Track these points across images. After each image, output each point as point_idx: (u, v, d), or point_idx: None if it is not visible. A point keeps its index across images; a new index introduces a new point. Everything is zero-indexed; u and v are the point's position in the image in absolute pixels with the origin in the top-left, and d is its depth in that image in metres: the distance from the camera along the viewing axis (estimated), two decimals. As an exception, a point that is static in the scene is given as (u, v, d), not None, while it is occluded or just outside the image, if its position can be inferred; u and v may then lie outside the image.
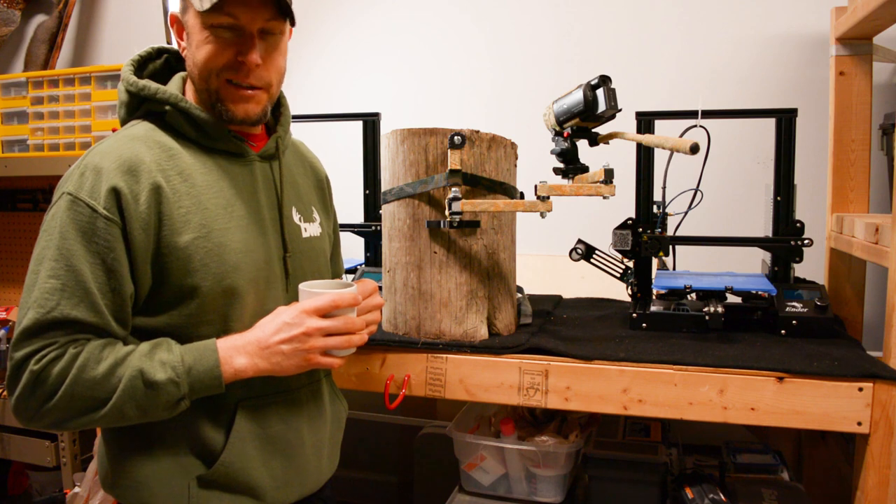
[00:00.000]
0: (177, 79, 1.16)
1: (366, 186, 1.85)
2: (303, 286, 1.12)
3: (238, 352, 1.05)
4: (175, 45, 1.18)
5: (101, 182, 1.01)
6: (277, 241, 1.17)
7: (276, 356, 1.05)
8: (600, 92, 1.34)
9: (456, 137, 1.40)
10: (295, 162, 1.30)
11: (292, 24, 1.12)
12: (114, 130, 1.23)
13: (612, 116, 1.37)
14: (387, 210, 1.54)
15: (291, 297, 1.17)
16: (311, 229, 1.26)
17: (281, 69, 1.15)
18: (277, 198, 1.19)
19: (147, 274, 1.04)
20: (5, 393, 1.92)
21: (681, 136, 1.60)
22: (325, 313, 1.07)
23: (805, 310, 1.50)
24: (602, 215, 1.72)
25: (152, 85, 1.10)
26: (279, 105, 1.25)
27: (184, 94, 1.14)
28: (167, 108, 1.09)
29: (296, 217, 1.22)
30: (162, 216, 1.03)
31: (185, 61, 1.14)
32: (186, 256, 1.04)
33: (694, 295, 1.64)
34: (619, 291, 1.81)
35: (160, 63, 1.19)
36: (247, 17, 1.06)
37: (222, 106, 1.10)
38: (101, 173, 1.01)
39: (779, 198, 1.60)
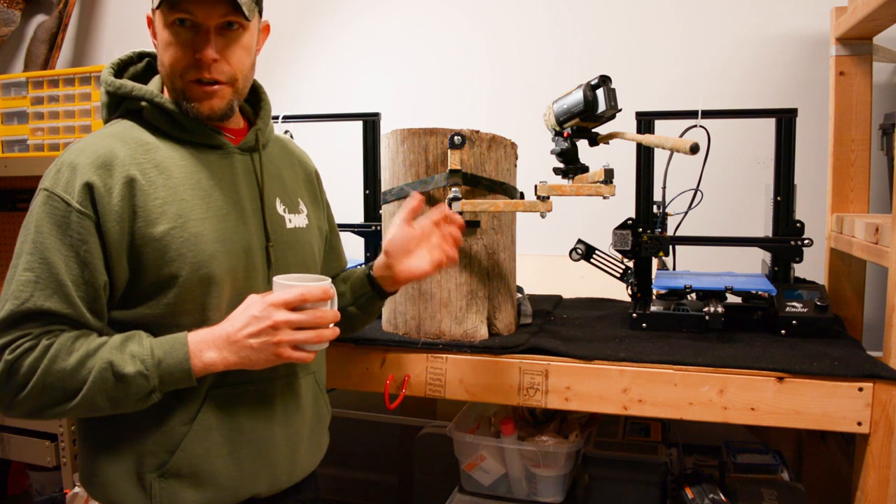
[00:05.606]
0: (156, 79, 1.18)
1: (366, 186, 1.85)
2: (277, 279, 1.10)
3: (208, 345, 1.05)
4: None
5: (75, 178, 1.04)
6: (259, 231, 1.17)
7: (245, 350, 1.05)
8: (600, 92, 1.34)
9: (456, 137, 1.40)
10: (281, 156, 1.30)
11: (246, 18, 1.10)
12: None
13: (612, 116, 1.37)
14: (387, 210, 1.54)
15: None
16: (297, 220, 1.26)
17: (244, 64, 1.14)
18: (259, 188, 1.20)
19: (123, 265, 1.06)
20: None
21: (681, 136, 1.60)
22: (293, 306, 1.05)
23: (805, 310, 1.50)
24: (602, 215, 1.71)
25: (128, 83, 1.14)
26: (259, 99, 1.27)
27: (162, 91, 1.16)
28: (143, 104, 1.12)
29: (279, 208, 1.23)
30: (136, 208, 1.05)
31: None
32: (163, 247, 1.06)
33: (694, 295, 1.64)
34: (619, 291, 1.81)
35: (141, 66, 1.21)
36: (202, 13, 1.07)
37: (188, 104, 1.11)
38: (76, 169, 1.04)
39: (779, 198, 1.60)
